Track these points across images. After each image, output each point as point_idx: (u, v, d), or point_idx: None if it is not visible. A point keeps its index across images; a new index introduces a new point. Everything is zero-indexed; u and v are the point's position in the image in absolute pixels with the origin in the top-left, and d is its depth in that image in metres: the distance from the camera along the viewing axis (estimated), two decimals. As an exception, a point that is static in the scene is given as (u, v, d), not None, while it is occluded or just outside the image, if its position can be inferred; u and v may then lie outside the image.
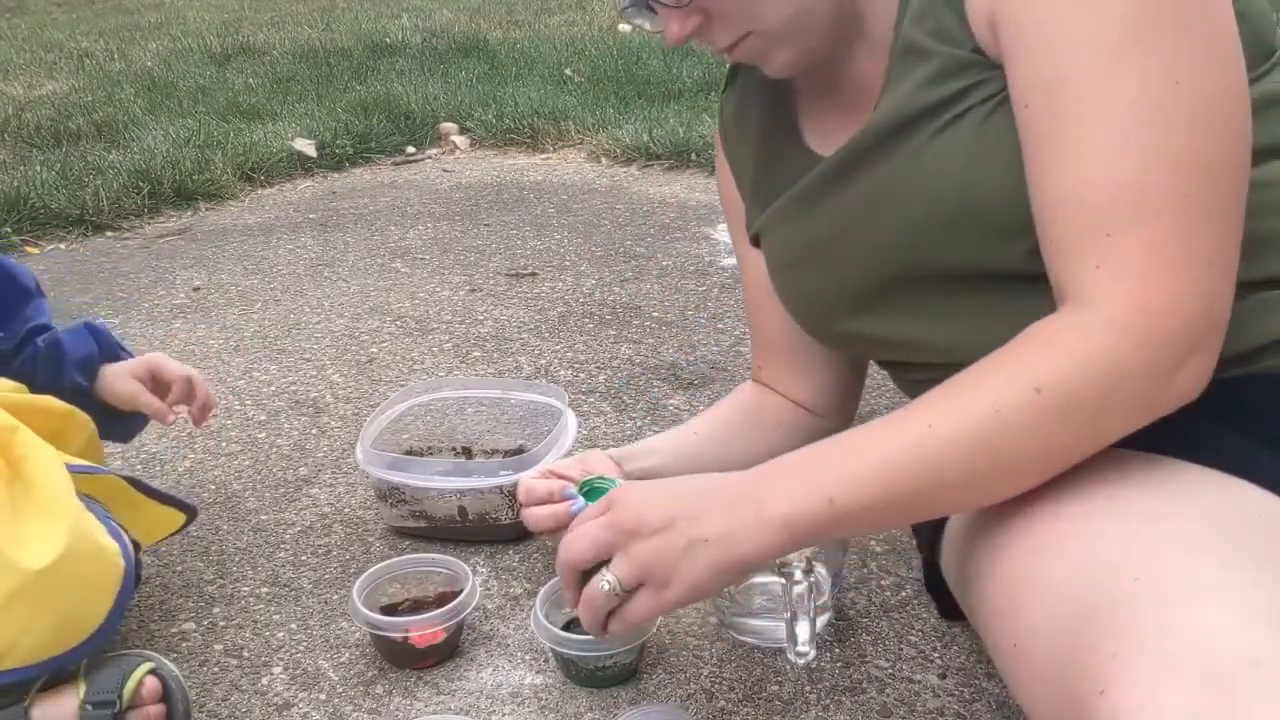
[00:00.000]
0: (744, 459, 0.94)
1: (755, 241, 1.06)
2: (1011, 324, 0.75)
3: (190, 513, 1.19)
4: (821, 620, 1.09)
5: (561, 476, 1.08)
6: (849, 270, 0.92)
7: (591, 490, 1.01)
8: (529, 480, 1.08)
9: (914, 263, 0.86)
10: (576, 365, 1.77)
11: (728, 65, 1.03)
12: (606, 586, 0.80)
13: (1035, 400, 0.70)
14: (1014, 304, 0.79)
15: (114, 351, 1.27)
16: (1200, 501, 0.70)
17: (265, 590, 1.23)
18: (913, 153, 0.83)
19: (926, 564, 1.01)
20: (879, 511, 0.75)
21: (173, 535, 1.20)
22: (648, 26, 0.89)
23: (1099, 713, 0.58)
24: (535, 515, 1.05)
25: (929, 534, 0.97)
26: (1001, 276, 0.82)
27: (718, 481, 0.81)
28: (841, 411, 1.16)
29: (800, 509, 0.75)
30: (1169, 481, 0.73)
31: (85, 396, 1.21)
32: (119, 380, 1.24)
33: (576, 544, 0.83)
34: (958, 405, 0.73)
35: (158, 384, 1.28)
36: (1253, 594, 0.60)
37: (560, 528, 1.00)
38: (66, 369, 1.21)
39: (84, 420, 1.13)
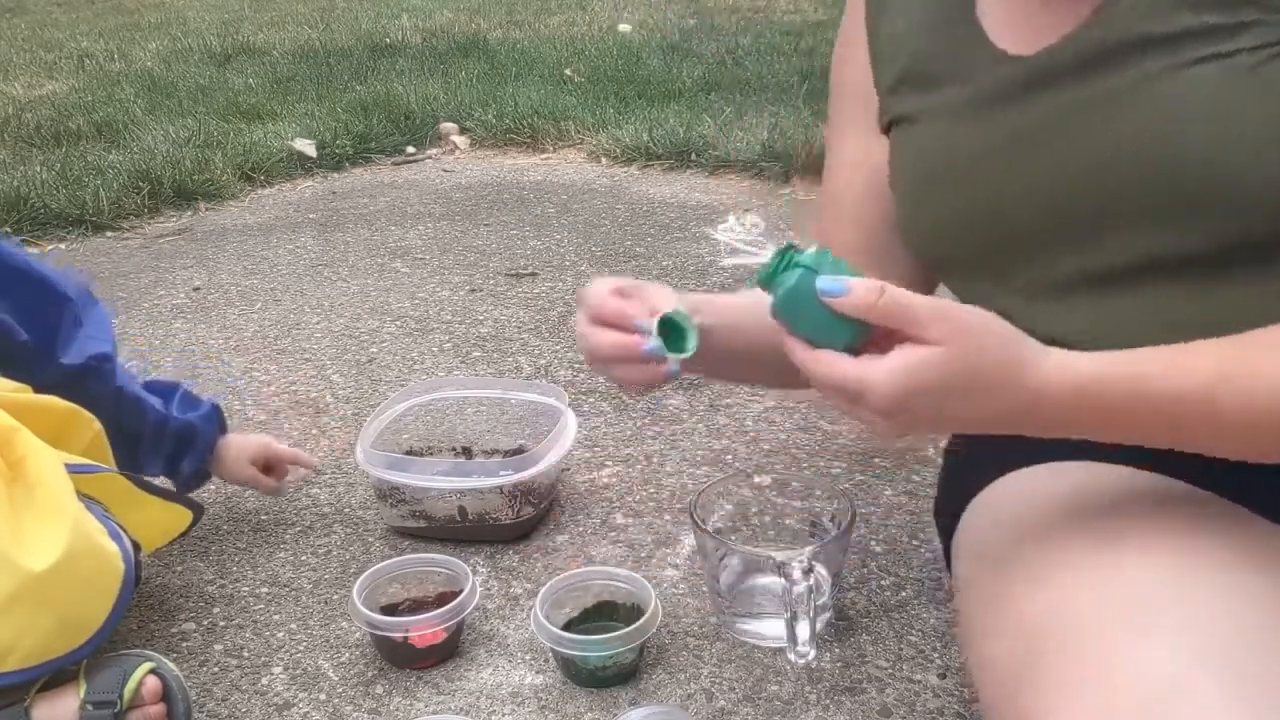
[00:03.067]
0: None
1: (887, 129, 0.91)
2: (1188, 324, 0.69)
3: (197, 511, 1.19)
4: (821, 620, 1.09)
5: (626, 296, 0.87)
6: (1011, 201, 0.79)
7: (673, 329, 0.83)
8: (599, 292, 0.86)
9: (1091, 215, 0.74)
10: (576, 365, 1.77)
11: None
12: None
13: None
14: (1194, 299, 0.72)
15: (223, 427, 1.31)
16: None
17: (265, 590, 1.23)
18: (1146, 80, 0.70)
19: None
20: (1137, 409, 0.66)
21: (182, 536, 1.20)
22: None
23: None
24: (598, 340, 0.84)
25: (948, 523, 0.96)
26: (1190, 261, 0.71)
27: (989, 376, 0.67)
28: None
29: (1093, 370, 0.66)
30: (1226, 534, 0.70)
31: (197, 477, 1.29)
32: (237, 465, 1.30)
33: (824, 396, 0.69)
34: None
35: (268, 466, 1.34)
36: (1201, 619, 0.60)
37: (623, 361, 0.84)
38: (190, 453, 1.26)
39: (88, 419, 1.13)
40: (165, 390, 1.26)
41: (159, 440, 1.22)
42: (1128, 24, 0.71)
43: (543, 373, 1.75)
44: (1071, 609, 0.66)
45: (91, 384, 1.14)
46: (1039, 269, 0.79)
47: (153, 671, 0.99)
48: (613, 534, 1.30)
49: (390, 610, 1.13)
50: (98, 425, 1.14)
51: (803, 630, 0.96)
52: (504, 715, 1.02)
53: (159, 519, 1.15)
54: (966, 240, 0.84)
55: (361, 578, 1.13)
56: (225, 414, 1.31)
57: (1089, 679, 0.60)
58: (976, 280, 0.86)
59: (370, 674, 1.09)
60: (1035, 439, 0.83)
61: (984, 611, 0.76)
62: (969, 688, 1.02)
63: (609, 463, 1.47)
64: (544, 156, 3.22)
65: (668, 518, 1.33)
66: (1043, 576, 0.70)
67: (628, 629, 1.02)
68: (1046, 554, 0.72)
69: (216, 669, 1.10)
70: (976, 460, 0.91)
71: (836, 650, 1.08)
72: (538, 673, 1.07)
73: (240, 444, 1.31)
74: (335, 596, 1.21)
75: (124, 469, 1.12)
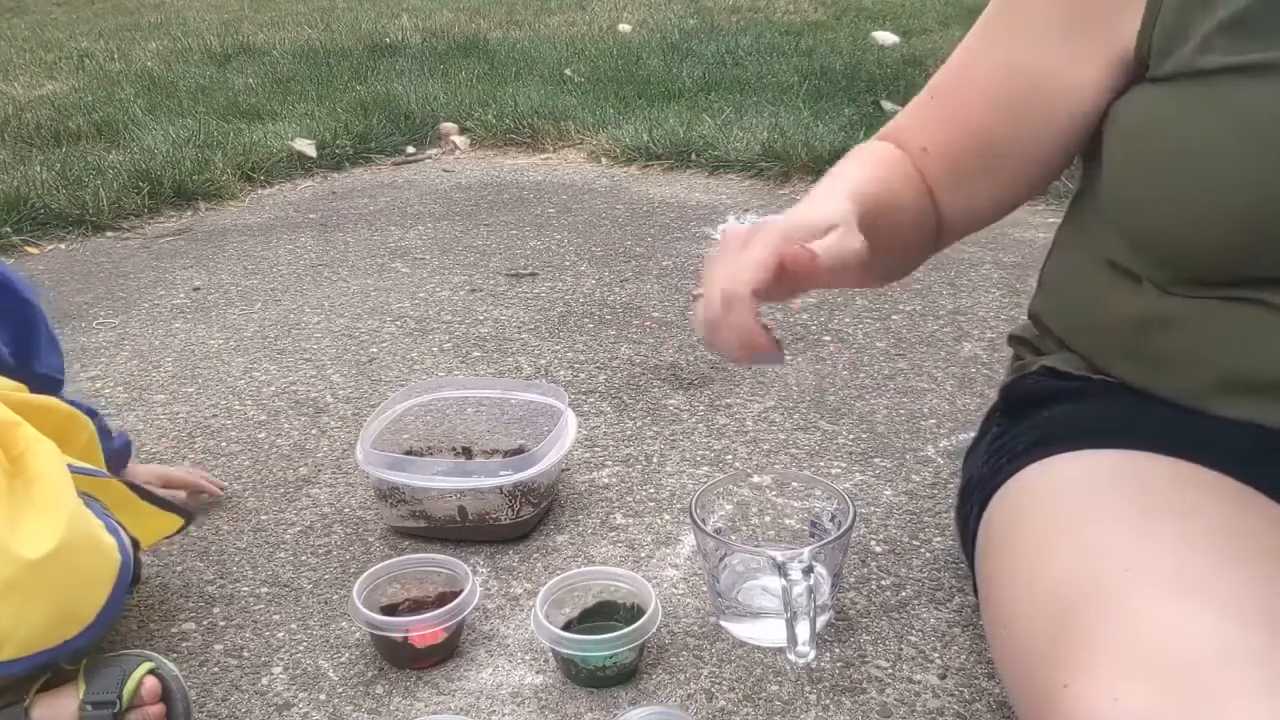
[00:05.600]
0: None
1: (1183, 77, 0.74)
2: None
3: (187, 518, 1.19)
4: (821, 620, 1.09)
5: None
6: None
7: None
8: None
9: None
10: (576, 365, 1.77)
11: None
12: None
13: None
14: None
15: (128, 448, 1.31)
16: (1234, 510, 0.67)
17: (265, 590, 1.23)
18: None
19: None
20: None
21: (169, 538, 1.20)
22: None
23: (1062, 708, 0.57)
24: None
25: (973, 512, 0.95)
26: None
27: None
28: (954, 229, 0.95)
29: None
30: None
31: None
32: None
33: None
34: None
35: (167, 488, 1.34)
36: (1241, 590, 0.58)
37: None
38: (126, 464, 1.26)
39: (85, 422, 1.13)
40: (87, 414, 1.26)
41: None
42: None
43: (543, 373, 1.75)
44: (1109, 575, 0.64)
45: (47, 394, 1.15)
46: None
47: (152, 671, 0.99)
48: (613, 534, 1.30)
49: (390, 610, 1.13)
50: (92, 429, 1.15)
51: (803, 630, 0.96)
52: (504, 715, 1.02)
53: (152, 523, 1.15)
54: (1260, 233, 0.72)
55: (361, 578, 1.13)
56: (134, 449, 1.31)
57: (1124, 641, 0.58)
58: (1211, 281, 0.77)
59: (370, 674, 1.09)
60: (1086, 424, 0.79)
61: (1014, 579, 0.74)
62: (969, 688, 1.02)
63: (609, 463, 1.47)
64: (544, 156, 3.22)
65: (668, 518, 1.33)
66: (1080, 544, 0.69)
67: (628, 629, 1.02)
68: (1084, 524, 0.71)
69: (216, 669, 1.10)
70: (1013, 443, 0.90)
71: (836, 650, 1.08)
72: (538, 673, 1.07)
73: (141, 471, 1.31)
74: (335, 596, 1.21)
75: None
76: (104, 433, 1.21)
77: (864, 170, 0.87)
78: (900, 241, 0.89)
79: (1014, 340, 1.05)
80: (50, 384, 1.16)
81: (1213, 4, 0.73)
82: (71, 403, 1.16)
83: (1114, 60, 0.79)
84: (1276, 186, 0.70)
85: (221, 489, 1.42)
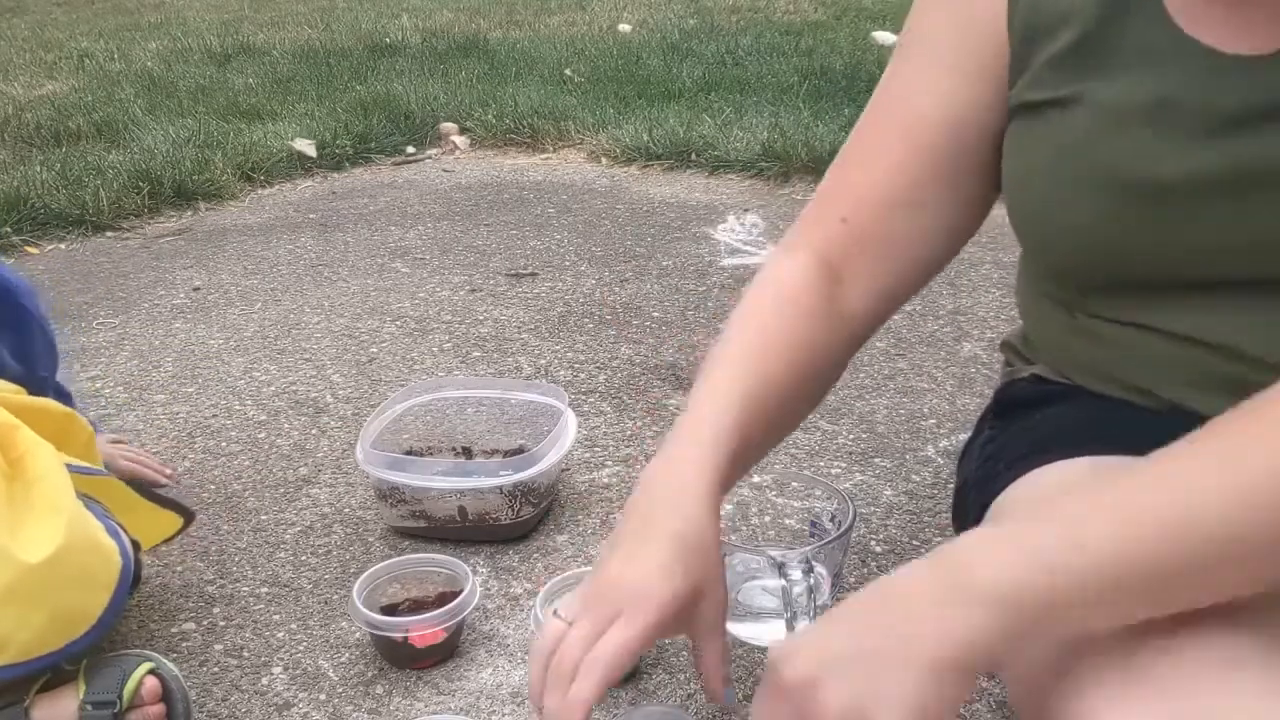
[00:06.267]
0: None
1: (1033, 106, 0.79)
2: None
3: (188, 517, 1.19)
4: (821, 620, 1.09)
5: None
6: (1180, 236, 0.70)
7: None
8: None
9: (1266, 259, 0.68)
10: (576, 365, 1.77)
11: None
12: None
13: None
14: None
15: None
16: None
17: (265, 590, 1.23)
18: None
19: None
20: (1127, 588, 0.55)
21: (168, 540, 1.20)
22: None
23: (1068, 717, 0.57)
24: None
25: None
26: None
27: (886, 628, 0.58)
28: (881, 319, 0.92)
29: (1017, 581, 0.55)
30: None
31: None
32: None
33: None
34: (1248, 441, 0.55)
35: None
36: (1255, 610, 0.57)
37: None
38: None
39: (82, 423, 1.13)
40: None
41: None
42: None
43: (543, 373, 1.75)
44: None
45: (35, 392, 1.15)
46: (1173, 278, 0.74)
47: (152, 671, 0.99)
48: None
49: (390, 610, 1.13)
50: (91, 430, 1.15)
51: (803, 630, 0.96)
52: (504, 715, 1.02)
53: (152, 523, 1.15)
54: (1100, 253, 0.76)
55: (361, 578, 1.13)
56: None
57: (1128, 649, 0.57)
58: (1088, 294, 0.81)
59: (370, 674, 1.09)
60: (1070, 429, 0.79)
61: None
62: (969, 688, 1.02)
63: (609, 463, 1.47)
64: (544, 156, 3.22)
65: (668, 518, 1.33)
66: None
67: (628, 629, 1.02)
68: None
69: (216, 669, 1.10)
70: (1007, 447, 0.90)
71: (836, 650, 1.08)
72: (538, 673, 1.07)
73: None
74: (335, 596, 1.21)
75: None
76: None
77: (735, 389, 0.82)
78: (791, 411, 0.88)
79: (1005, 347, 1.06)
80: (44, 385, 1.17)
81: (1044, 41, 0.77)
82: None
83: (1004, 96, 0.82)
84: (1084, 213, 0.75)
85: (168, 476, 1.45)
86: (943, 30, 0.84)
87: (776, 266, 0.89)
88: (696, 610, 0.74)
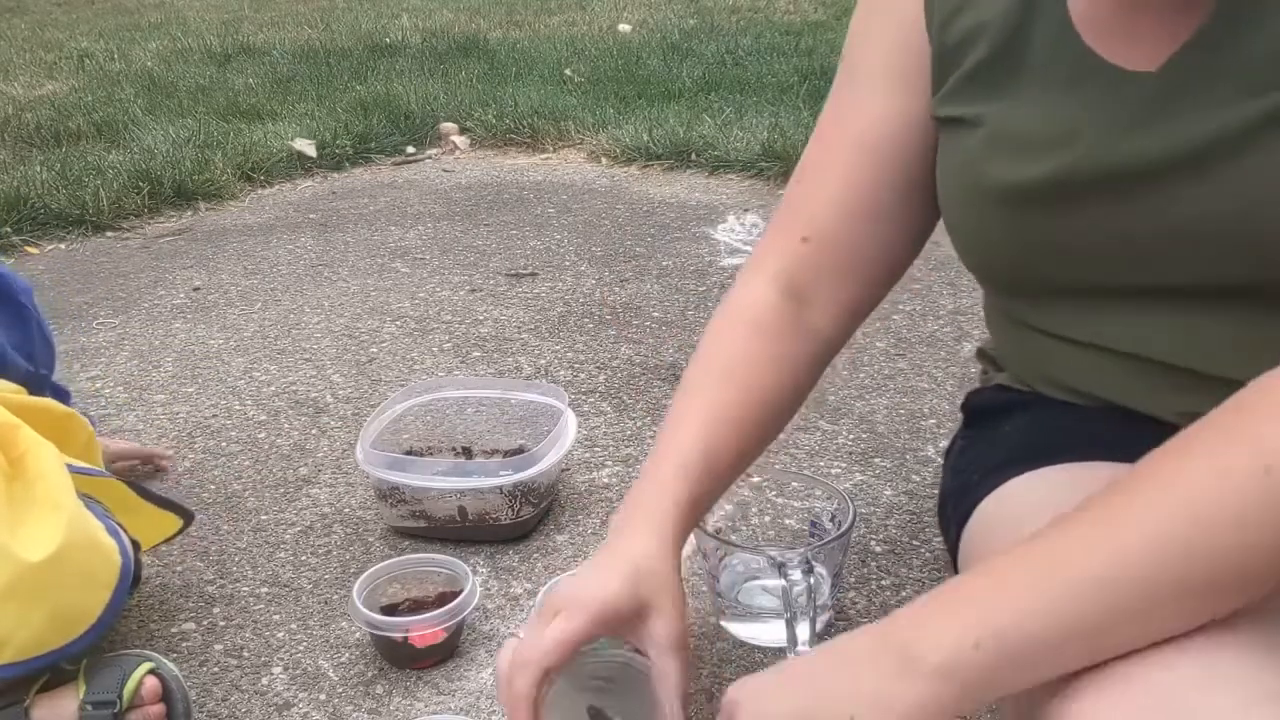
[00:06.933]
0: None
1: (949, 121, 0.82)
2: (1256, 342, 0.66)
3: (187, 518, 1.19)
4: (821, 620, 1.09)
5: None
6: (1088, 236, 0.73)
7: None
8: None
9: (1178, 258, 0.71)
10: (576, 365, 1.77)
11: None
12: None
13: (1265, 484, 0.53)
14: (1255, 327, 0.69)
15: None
16: None
17: (265, 590, 1.23)
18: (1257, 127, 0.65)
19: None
20: (1060, 644, 0.56)
21: (167, 541, 1.20)
22: None
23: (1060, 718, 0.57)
24: None
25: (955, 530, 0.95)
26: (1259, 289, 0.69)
27: (844, 669, 0.62)
28: (848, 333, 0.95)
29: (955, 653, 0.57)
30: None
31: None
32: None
33: None
34: (1162, 488, 0.56)
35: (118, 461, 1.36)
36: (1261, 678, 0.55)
37: None
38: None
39: (83, 423, 1.13)
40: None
41: None
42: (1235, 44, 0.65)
43: (543, 373, 1.75)
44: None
45: (35, 390, 1.15)
46: (1086, 284, 0.77)
47: (152, 671, 0.99)
48: (613, 534, 1.30)
49: (390, 610, 1.13)
50: (91, 429, 1.15)
51: (803, 630, 0.96)
52: (504, 715, 1.02)
53: (151, 524, 1.15)
54: (1017, 255, 0.80)
55: (361, 578, 1.13)
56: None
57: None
58: (1016, 294, 0.85)
59: (370, 674, 1.09)
60: (1035, 440, 0.81)
61: None
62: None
63: (609, 463, 1.47)
64: (544, 156, 3.22)
65: (668, 518, 1.33)
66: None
67: (628, 629, 1.02)
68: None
69: (216, 669, 1.10)
70: (978, 458, 0.91)
71: (836, 650, 1.08)
72: (538, 673, 1.07)
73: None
74: (335, 596, 1.21)
75: None
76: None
77: (700, 417, 0.85)
78: (760, 432, 0.89)
79: (980, 355, 1.08)
80: (41, 382, 1.17)
81: (958, 57, 0.81)
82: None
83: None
84: (971, 219, 0.80)
85: (169, 458, 1.48)
86: (876, 45, 0.87)
87: (741, 290, 0.92)
88: (646, 626, 0.76)
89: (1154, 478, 0.57)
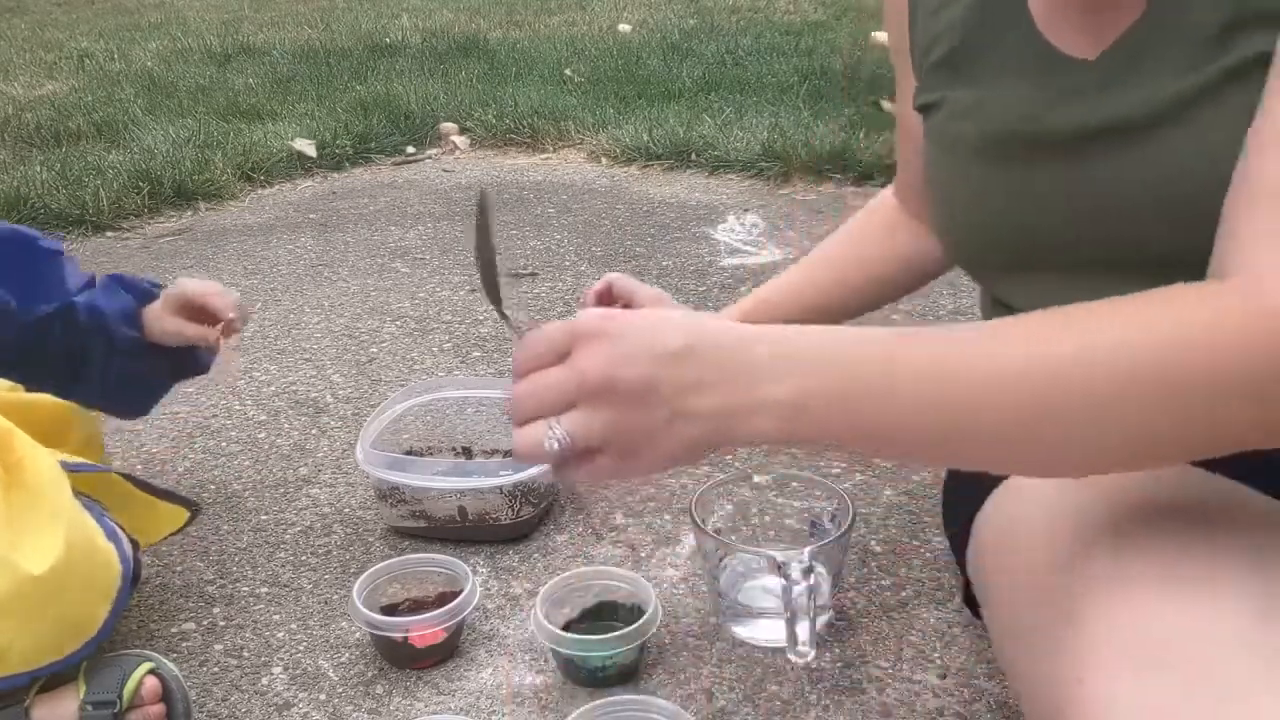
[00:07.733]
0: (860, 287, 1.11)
1: (923, 109, 0.92)
2: None
3: (194, 509, 1.19)
4: (821, 620, 1.09)
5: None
6: (1044, 212, 0.81)
7: None
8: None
9: (1124, 227, 0.76)
10: (576, 365, 1.77)
11: None
12: (555, 446, 0.61)
13: (1173, 356, 0.55)
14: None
15: (149, 294, 1.23)
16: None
17: (265, 590, 1.23)
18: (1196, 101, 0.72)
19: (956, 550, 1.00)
20: (910, 417, 0.58)
21: (176, 533, 1.20)
22: None
23: (1076, 703, 0.57)
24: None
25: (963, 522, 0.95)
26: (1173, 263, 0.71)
27: (717, 335, 0.61)
28: (938, 263, 1.12)
29: (814, 389, 0.59)
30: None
31: (146, 352, 1.20)
32: (159, 321, 1.20)
33: (526, 403, 0.63)
34: (1078, 329, 0.58)
35: (192, 311, 1.22)
36: (1250, 581, 0.58)
37: None
38: (115, 330, 1.18)
39: (84, 418, 1.13)
40: (96, 291, 1.25)
41: (85, 331, 1.19)
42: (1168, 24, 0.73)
43: (543, 373, 1.75)
44: (1104, 568, 0.63)
45: (57, 329, 1.14)
46: (1050, 259, 0.83)
47: (152, 671, 0.99)
48: (613, 534, 1.30)
49: (390, 610, 1.13)
50: (94, 424, 1.15)
51: (803, 630, 0.96)
52: (504, 715, 1.02)
53: (155, 517, 1.15)
54: (984, 233, 0.87)
55: (361, 578, 1.13)
56: (148, 282, 1.26)
57: (1133, 633, 0.57)
58: (985, 267, 0.92)
59: (370, 674, 1.09)
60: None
61: (1014, 574, 0.75)
62: (969, 688, 1.02)
63: (609, 463, 1.46)
64: (544, 156, 3.21)
65: (668, 518, 1.33)
66: (1074, 538, 0.69)
67: (628, 629, 1.02)
68: (1074, 521, 0.71)
69: (216, 669, 1.10)
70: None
71: (836, 650, 1.08)
72: (538, 673, 1.07)
73: (160, 302, 1.24)
74: (335, 596, 1.21)
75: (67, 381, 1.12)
76: (116, 287, 1.21)
77: (793, 284, 1.15)
78: (856, 301, 1.13)
79: None
80: (54, 320, 1.15)
81: (933, 50, 0.91)
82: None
83: None
84: (938, 197, 0.91)
85: (237, 316, 1.24)
86: (894, 43, 1.01)
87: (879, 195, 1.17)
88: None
89: (1060, 322, 0.60)
